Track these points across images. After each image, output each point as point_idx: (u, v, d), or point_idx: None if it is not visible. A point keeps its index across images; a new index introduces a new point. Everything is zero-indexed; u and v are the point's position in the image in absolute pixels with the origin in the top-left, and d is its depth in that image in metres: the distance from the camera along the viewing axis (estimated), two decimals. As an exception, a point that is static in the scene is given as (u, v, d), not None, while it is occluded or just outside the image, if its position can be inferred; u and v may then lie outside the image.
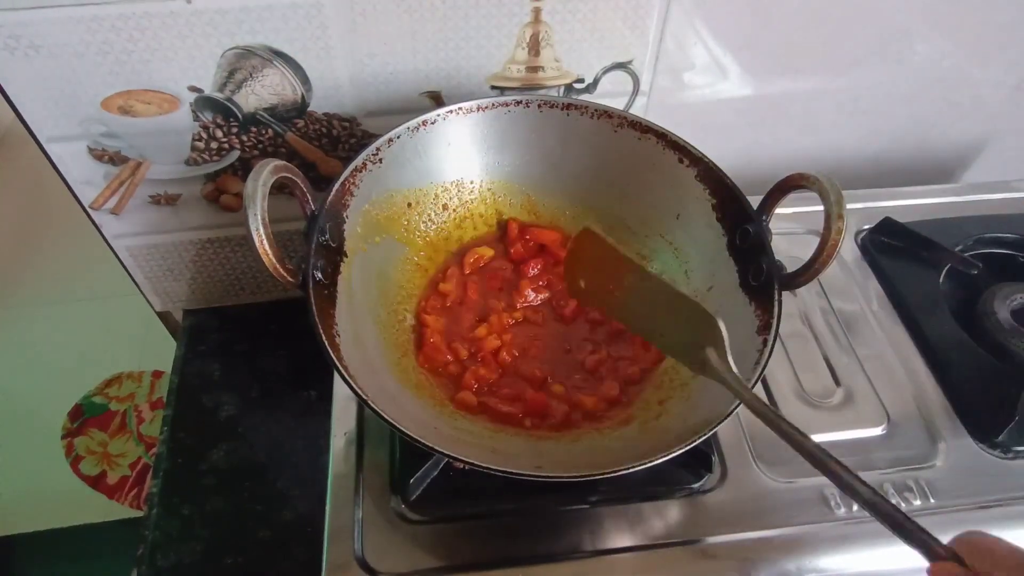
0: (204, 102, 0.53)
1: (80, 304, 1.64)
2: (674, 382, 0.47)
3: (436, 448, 0.36)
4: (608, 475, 0.36)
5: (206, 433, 0.63)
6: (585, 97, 0.59)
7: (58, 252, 1.71)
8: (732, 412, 0.39)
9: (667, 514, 0.48)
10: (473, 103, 0.52)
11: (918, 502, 0.48)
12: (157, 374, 1.51)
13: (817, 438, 0.51)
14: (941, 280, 0.62)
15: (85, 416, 1.47)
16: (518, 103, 0.52)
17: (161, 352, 0.70)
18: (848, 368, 0.56)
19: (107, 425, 1.46)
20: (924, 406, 0.54)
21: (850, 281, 0.62)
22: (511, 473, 0.35)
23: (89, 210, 0.59)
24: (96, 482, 1.38)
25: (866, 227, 0.65)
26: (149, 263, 0.65)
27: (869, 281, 0.62)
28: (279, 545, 0.56)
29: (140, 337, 1.52)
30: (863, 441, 0.52)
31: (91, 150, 0.55)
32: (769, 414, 0.36)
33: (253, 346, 0.69)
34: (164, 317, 0.74)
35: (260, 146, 0.57)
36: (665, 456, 0.37)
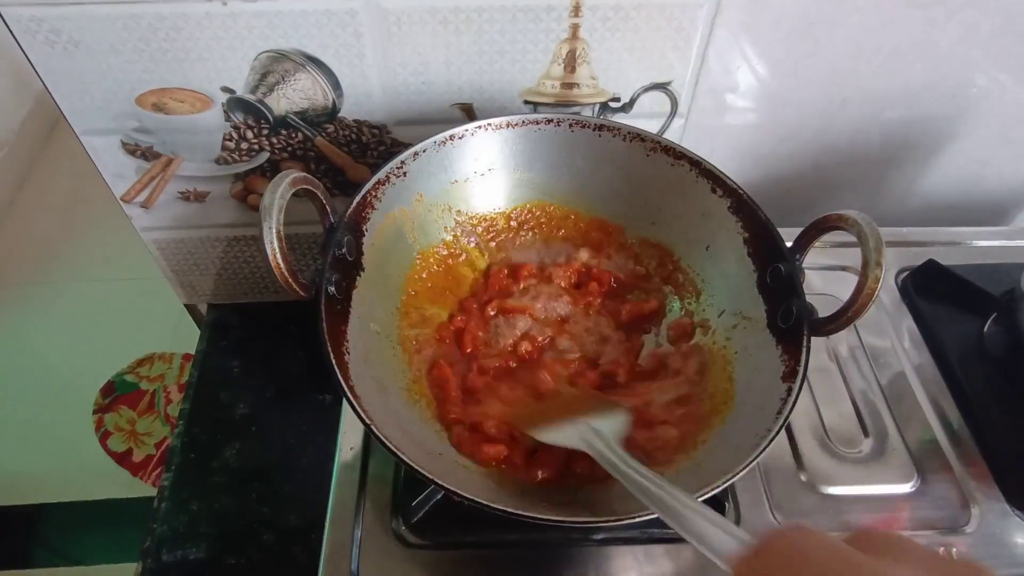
0: (236, 103, 0.53)
1: (119, 284, 1.69)
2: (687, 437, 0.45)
3: (436, 481, 0.35)
4: (611, 523, 0.34)
5: (221, 430, 0.63)
6: (620, 117, 0.57)
7: (101, 234, 1.76)
8: (742, 471, 0.37)
9: (677, 557, 0.46)
10: (503, 119, 0.51)
11: (944, 568, 0.45)
12: (187, 357, 1.54)
13: (842, 491, 0.49)
14: (986, 328, 0.59)
15: (116, 393, 1.51)
16: (549, 121, 0.51)
17: (192, 337, 0.71)
18: (877, 415, 0.53)
19: (136, 404, 1.49)
20: (957, 464, 0.51)
21: (885, 322, 0.59)
22: (510, 513, 0.34)
23: (120, 202, 0.60)
24: (122, 459, 1.41)
25: (908, 268, 0.62)
26: (176, 256, 0.66)
27: (905, 322, 0.59)
28: (282, 550, 0.56)
29: (174, 320, 1.55)
30: (890, 498, 0.49)
31: (124, 144, 0.55)
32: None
33: (273, 345, 0.69)
34: (190, 309, 0.75)
35: (289, 149, 0.57)
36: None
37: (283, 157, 0.58)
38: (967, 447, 0.52)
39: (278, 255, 0.38)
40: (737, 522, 0.47)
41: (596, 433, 0.40)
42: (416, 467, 0.35)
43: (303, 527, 0.56)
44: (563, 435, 0.42)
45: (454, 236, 0.54)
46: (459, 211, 0.54)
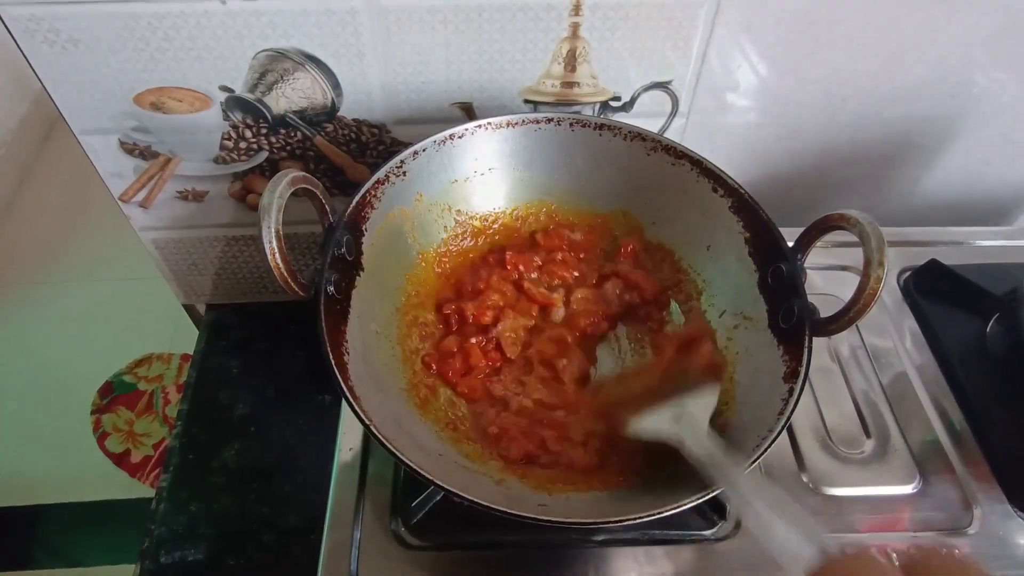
0: (235, 102, 0.53)
1: (117, 284, 1.68)
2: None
3: (436, 481, 0.35)
4: (612, 524, 0.34)
5: (219, 430, 0.62)
6: (621, 116, 0.57)
7: (99, 233, 1.75)
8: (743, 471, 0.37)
9: (677, 558, 0.46)
10: (503, 119, 0.50)
11: (946, 570, 0.45)
12: (186, 357, 1.53)
13: (844, 492, 0.49)
14: (988, 328, 0.59)
15: (115, 394, 1.50)
16: (549, 120, 0.51)
17: (191, 337, 0.71)
18: (879, 416, 0.53)
19: (134, 404, 1.49)
20: (959, 465, 0.51)
21: (887, 322, 0.59)
22: (510, 514, 0.34)
23: (119, 202, 0.59)
24: (120, 459, 1.41)
25: (910, 268, 0.62)
26: (174, 256, 0.66)
27: (907, 323, 0.59)
28: (282, 550, 0.56)
29: (172, 320, 1.55)
30: (892, 499, 0.49)
31: (122, 144, 0.55)
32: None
33: (272, 345, 0.69)
34: (189, 309, 0.74)
35: (288, 148, 0.57)
36: (673, 509, 0.35)
37: (282, 156, 0.58)
38: (969, 448, 0.52)
39: (277, 255, 0.37)
40: (737, 524, 0.47)
41: (688, 419, 0.39)
42: (416, 468, 0.35)
43: (303, 527, 0.56)
44: (655, 423, 0.39)
45: (454, 235, 0.54)
46: (459, 211, 0.54)
